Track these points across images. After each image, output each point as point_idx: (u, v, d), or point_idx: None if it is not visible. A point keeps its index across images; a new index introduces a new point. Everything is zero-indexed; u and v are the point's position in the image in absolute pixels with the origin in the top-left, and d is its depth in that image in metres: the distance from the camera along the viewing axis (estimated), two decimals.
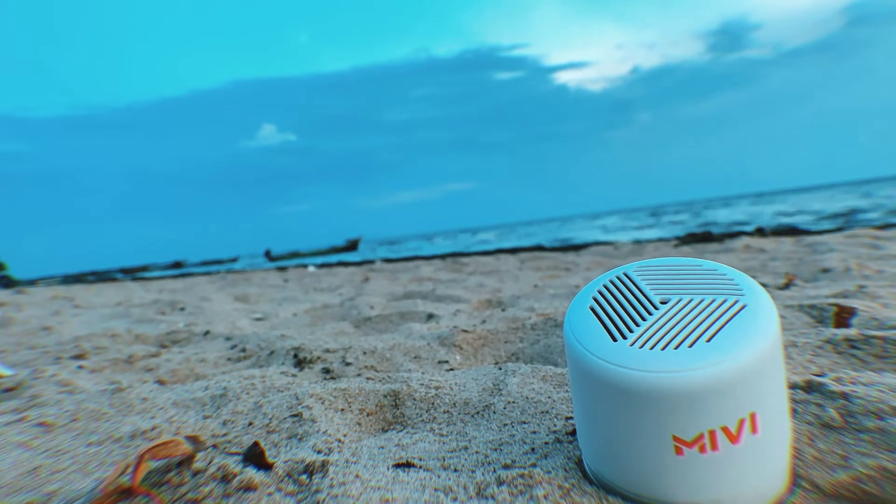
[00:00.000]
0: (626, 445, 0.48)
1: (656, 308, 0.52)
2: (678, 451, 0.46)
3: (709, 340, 0.47)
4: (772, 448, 0.48)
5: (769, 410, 0.47)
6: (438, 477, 0.58)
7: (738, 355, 0.45)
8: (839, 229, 4.80)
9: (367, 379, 1.02)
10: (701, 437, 0.45)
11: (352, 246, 19.94)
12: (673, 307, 0.52)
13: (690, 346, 0.47)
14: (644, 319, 0.51)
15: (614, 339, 0.50)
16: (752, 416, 0.46)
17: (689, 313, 0.50)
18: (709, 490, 0.46)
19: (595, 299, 0.55)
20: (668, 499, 0.47)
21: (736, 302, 0.50)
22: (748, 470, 0.47)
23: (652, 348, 0.47)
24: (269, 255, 21.19)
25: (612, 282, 0.57)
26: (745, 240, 4.19)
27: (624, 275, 0.58)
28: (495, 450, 0.68)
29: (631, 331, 0.50)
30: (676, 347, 0.47)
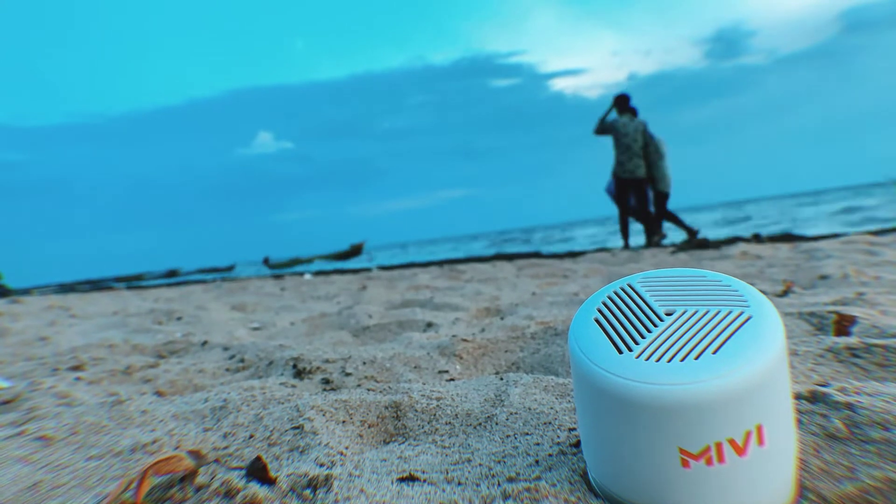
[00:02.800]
0: (631, 458, 0.48)
1: (661, 320, 0.52)
2: (685, 464, 0.45)
3: (715, 352, 0.47)
4: (778, 460, 0.47)
5: (776, 422, 0.47)
6: (443, 491, 0.57)
7: (744, 367, 0.45)
8: (835, 235, 4.82)
9: (368, 390, 1.02)
10: (708, 449, 0.45)
11: (355, 251, 20.03)
12: (678, 319, 0.52)
13: (696, 358, 0.47)
14: (649, 331, 0.51)
15: (620, 352, 0.50)
16: (759, 428, 0.45)
17: (694, 325, 0.50)
18: (715, 502, 0.46)
19: (600, 311, 0.55)
20: None
21: (741, 313, 0.50)
22: (755, 482, 0.46)
23: (658, 360, 0.47)
24: (267, 263, 20.98)
25: (616, 293, 0.57)
26: (742, 246, 4.20)
27: (628, 286, 0.58)
28: (499, 462, 0.67)
29: (636, 343, 0.50)
30: (682, 359, 0.47)
